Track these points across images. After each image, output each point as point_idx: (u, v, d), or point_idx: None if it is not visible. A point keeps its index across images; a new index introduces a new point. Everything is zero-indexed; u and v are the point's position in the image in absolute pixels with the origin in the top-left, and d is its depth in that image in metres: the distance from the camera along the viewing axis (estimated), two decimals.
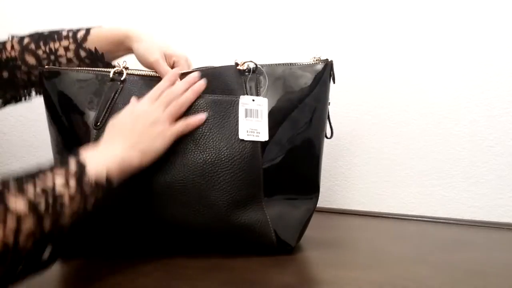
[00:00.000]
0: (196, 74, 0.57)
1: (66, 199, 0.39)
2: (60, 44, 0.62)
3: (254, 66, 0.59)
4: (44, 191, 0.38)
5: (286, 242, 0.57)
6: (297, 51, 0.96)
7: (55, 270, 0.49)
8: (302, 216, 0.61)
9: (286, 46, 0.97)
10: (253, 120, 0.56)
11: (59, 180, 0.40)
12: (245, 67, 0.59)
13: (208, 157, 0.54)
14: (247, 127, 0.55)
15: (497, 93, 0.79)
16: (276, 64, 0.60)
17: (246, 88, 0.58)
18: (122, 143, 0.49)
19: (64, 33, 0.63)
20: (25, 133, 1.00)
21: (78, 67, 0.62)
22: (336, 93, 0.94)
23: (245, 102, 0.56)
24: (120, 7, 1.08)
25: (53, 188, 0.39)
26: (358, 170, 0.92)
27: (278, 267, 0.53)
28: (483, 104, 0.80)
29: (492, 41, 0.80)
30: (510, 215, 0.78)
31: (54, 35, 0.63)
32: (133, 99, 0.56)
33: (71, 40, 0.63)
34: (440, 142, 0.84)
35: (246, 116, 0.56)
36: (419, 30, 0.86)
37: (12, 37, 0.63)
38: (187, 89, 0.56)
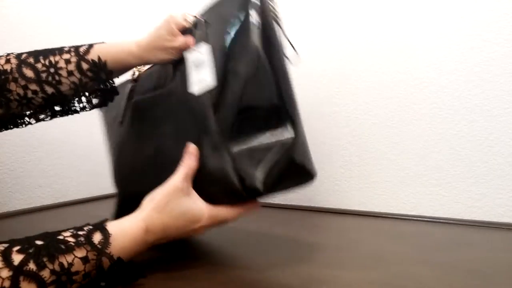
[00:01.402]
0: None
1: (79, 277, 0.41)
2: (61, 57, 0.59)
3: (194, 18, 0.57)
4: (58, 274, 0.39)
5: (253, 188, 0.49)
6: None
7: None
8: (272, 155, 0.50)
9: None
10: (200, 70, 0.54)
11: (78, 258, 0.41)
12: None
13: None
14: (195, 79, 0.54)
15: (497, 93, 0.79)
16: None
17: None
18: (156, 236, 0.49)
19: (66, 48, 0.60)
20: (25, 133, 1.00)
21: (79, 81, 0.60)
22: (336, 93, 0.94)
23: (191, 56, 0.56)
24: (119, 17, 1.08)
25: (69, 269, 0.40)
26: (358, 170, 0.92)
27: (278, 267, 0.53)
28: (483, 104, 0.80)
29: (492, 41, 0.80)
30: (510, 215, 0.78)
31: (54, 50, 0.60)
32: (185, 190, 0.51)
33: (72, 53, 0.60)
34: (440, 142, 0.84)
35: (193, 68, 0.55)
36: (418, 30, 0.86)
37: (8, 54, 0.60)
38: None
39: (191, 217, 0.50)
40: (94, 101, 0.64)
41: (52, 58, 0.59)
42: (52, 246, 0.40)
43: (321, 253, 0.59)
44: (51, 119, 0.64)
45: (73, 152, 1.12)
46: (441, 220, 0.81)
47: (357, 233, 0.73)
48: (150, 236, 0.48)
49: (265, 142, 0.50)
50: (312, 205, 0.96)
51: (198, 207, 0.51)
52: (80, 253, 0.41)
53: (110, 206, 0.73)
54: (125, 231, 0.46)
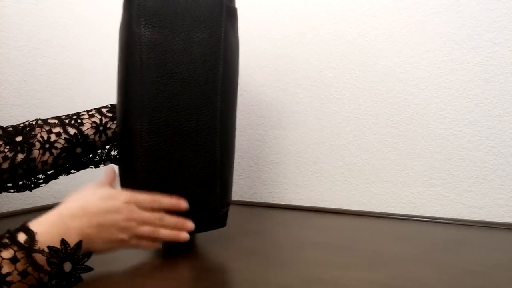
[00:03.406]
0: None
1: (14, 276, 0.40)
2: (85, 112, 0.65)
3: None
4: None
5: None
6: None
7: None
8: None
9: None
10: None
11: (6, 255, 0.40)
12: None
13: None
14: None
15: (497, 93, 0.79)
16: None
17: None
18: (79, 231, 0.47)
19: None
20: None
21: (100, 121, 0.64)
22: (336, 93, 0.94)
23: None
24: None
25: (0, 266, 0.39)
26: (358, 170, 0.92)
27: (278, 267, 0.53)
28: (483, 104, 0.80)
29: (492, 41, 0.80)
30: (511, 215, 0.78)
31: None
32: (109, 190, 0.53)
33: (94, 111, 0.65)
34: (440, 142, 0.84)
35: None
36: (418, 30, 0.86)
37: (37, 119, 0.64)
38: (173, 226, 0.54)
39: (106, 194, 0.51)
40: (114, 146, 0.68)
41: (75, 113, 0.65)
42: None
43: (321, 253, 0.59)
44: (68, 171, 0.66)
45: None
46: (441, 220, 0.81)
47: (357, 233, 0.73)
48: (69, 219, 0.46)
49: None
50: (312, 205, 0.96)
51: (117, 190, 0.54)
52: (7, 254, 0.40)
53: None
54: (45, 224, 0.45)
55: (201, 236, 0.67)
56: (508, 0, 0.78)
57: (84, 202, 0.49)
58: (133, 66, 0.55)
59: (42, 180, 0.64)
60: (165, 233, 0.53)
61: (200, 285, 0.47)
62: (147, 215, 0.52)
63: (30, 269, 0.41)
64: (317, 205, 0.95)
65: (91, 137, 0.63)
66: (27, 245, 0.41)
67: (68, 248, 0.44)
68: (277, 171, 1.00)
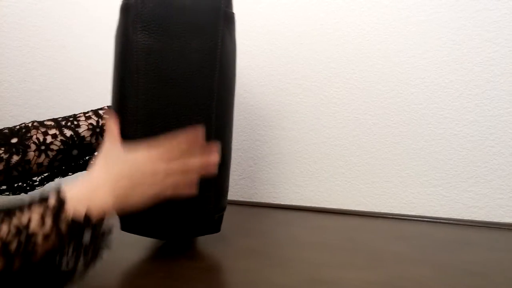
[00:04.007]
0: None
1: (39, 238, 0.40)
2: (82, 114, 0.64)
3: None
4: (17, 229, 0.39)
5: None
6: None
7: None
8: None
9: None
10: None
11: (35, 217, 0.40)
12: None
13: None
14: None
15: (497, 93, 0.79)
16: None
17: None
18: (111, 193, 0.48)
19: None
20: None
21: (96, 123, 0.63)
22: (336, 93, 0.94)
23: None
24: None
25: (27, 227, 0.39)
26: (358, 170, 0.92)
27: (278, 267, 0.52)
28: (483, 104, 0.80)
29: (492, 41, 0.80)
30: (511, 215, 0.78)
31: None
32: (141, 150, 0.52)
33: (91, 112, 0.64)
34: (440, 142, 0.84)
35: None
36: (419, 30, 0.86)
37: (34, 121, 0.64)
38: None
39: (140, 150, 0.51)
40: None
41: (72, 115, 0.64)
42: (9, 210, 0.40)
43: (321, 253, 0.59)
44: (64, 174, 0.65)
45: None
46: (441, 220, 0.81)
47: (357, 233, 0.73)
48: (113, 178, 0.48)
49: None
50: (312, 205, 0.96)
51: (153, 157, 0.51)
52: (36, 212, 0.41)
53: None
54: (80, 188, 0.46)
55: (201, 236, 0.67)
56: (508, 0, 0.78)
57: (125, 158, 0.50)
58: (129, 72, 0.55)
59: (37, 183, 0.64)
60: (195, 162, 0.53)
61: (200, 285, 0.47)
62: (175, 164, 0.52)
63: (53, 235, 0.41)
64: (317, 205, 0.95)
65: (88, 139, 0.62)
66: (54, 211, 0.42)
67: (92, 221, 0.44)
68: (277, 171, 1.00)
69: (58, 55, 1.04)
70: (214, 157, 0.54)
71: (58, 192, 0.43)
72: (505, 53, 0.79)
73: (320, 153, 0.96)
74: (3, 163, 0.57)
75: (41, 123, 0.61)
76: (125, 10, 0.57)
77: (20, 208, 0.41)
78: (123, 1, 0.58)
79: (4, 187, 0.61)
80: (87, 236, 0.44)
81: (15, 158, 0.58)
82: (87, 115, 0.64)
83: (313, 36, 0.96)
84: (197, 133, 0.53)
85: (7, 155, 0.58)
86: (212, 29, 0.56)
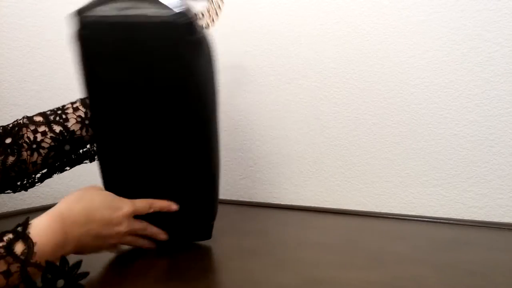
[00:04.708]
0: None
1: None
2: (69, 105, 0.63)
3: None
4: None
5: None
6: None
7: None
8: None
9: None
10: None
11: (1, 268, 0.39)
12: None
13: None
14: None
15: (497, 93, 0.79)
16: None
17: None
18: (79, 224, 0.48)
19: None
20: None
21: (85, 114, 0.62)
22: (336, 93, 0.94)
23: None
24: None
25: None
26: (358, 170, 0.92)
27: (278, 267, 0.53)
28: (483, 104, 0.80)
29: (492, 41, 0.79)
30: (511, 215, 0.78)
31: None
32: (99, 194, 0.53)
33: (79, 103, 0.63)
34: (440, 142, 0.84)
35: None
36: (419, 30, 0.86)
37: (24, 116, 0.63)
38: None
39: (112, 202, 0.51)
40: None
41: (60, 106, 0.63)
42: None
43: (321, 253, 0.59)
44: (61, 169, 0.64)
45: None
46: (441, 220, 0.81)
47: (357, 233, 0.73)
48: (70, 226, 0.46)
49: None
50: (312, 205, 0.96)
51: (119, 198, 0.53)
52: (1, 266, 0.39)
53: None
54: (45, 232, 0.44)
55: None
56: (508, 0, 0.78)
57: (89, 208, 0.49)
58: (94, 105, 0.55)
59: (37, 180, 0.63)
60: (142, 242, 0.57)
61: (199, 285, 0.47)
62: (137, 225, 0.55)
63: (21, 285, 0.39)
64: (317, 205, 0.95)
65: (78, 132, 0.61)
66: (23, 258, 0.40)
67: (67, 267, 0.42)
68: (277, 171, 1.00)
69: (58, 55, 1.04)
70: (162, 235, 0.59)
71: (26, 236, 0.41)
72: (505, 53, 0.78)
73: (320, 153, 0.96)
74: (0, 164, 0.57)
75: (31, 120, 0.60)
76: (82, 41, 0.53)
77: None
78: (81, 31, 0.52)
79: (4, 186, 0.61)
80: (60, 282, 0.42)
81: (11, 159, 0.58)
82: (74, 106, 0.62)
83: (313, 36, 0.96)
84: (172, 206, 0.57)
85: (2, 157, 0.57)
86: (177, 57, 0.52)
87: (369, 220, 0.84)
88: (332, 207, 0.94)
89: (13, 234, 0.41)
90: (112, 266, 0.53)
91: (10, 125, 0.60)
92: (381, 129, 0.90)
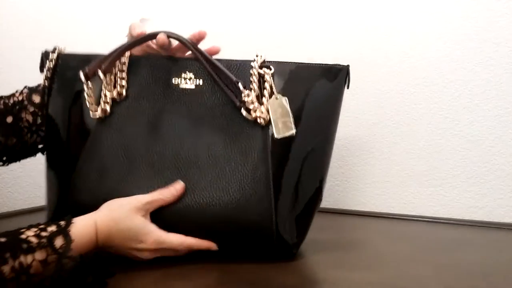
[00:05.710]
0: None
1: (38, 278, 0.40)
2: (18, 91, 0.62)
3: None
4: (20, 270, 0.39)
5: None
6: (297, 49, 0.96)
7: None
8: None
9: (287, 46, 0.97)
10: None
11: (39, 258, 0.41)
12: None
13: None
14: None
15: (497, 93, 0.79)
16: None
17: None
18: (101, 238, 0.49)
19: None
20: None
21: None
22: None
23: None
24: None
25: (30, 266, 0.40)
26: (358, 170, 0.92)
27: (279, 268, 0.52)
28: (483, 104, 0.80)
29: (492, 41, 0.80)
30: (511, 215, 0.78)
31: None
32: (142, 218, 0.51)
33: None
34: (440, 142, 0.84)
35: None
36: (419, 30, 0.86)
37: (25, 86, 0.62)
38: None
39: (135, 235, 0.50)
40: None
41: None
42: (15, 243, 0.40)
43: (321, 253, 0.59)
44: None
45: None
46: (441, 220, 0.81)
47: (357, 233, 0.73)
48: (102, 238, 0.48)
49: None
50: None
51: (147, 229, 0.50)
52: (40, 255, 0.41)
53: None
54: (81, 233, 0.46)
55: None
56: (508, 0, 0.78)
57: (112, 231, 0.49)
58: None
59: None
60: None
61: (196, 283, 0.47)
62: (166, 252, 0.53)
63: (55, 274, 0.41)
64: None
65: None
66: (61, 251, 0.42)
67: (97, 264, 0.45)
68: None
69: None
70: None
71: (66, 232, 0.44)
72: (505, 53, 0.78)
73: None
74: (2, 145, 0.59)
75: (30, 100, 0.60)
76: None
77: (26, 245, 0.40)
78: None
79: (5, 158, 0.62)
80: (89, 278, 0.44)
81: (13, 140, 0.59)
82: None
83: (313, 36, 0.96)
84: (212, 247, 0.54)
85: (3, 138, 0.59)
86: None
87: (369, 220, 0.84)
88: (332, 207, 0.94)
89: (56, 227, 0.44)
90: (111, 265, 0.53)
91: (11, 101, 0.60)
92: (381, 129, 0.90)
